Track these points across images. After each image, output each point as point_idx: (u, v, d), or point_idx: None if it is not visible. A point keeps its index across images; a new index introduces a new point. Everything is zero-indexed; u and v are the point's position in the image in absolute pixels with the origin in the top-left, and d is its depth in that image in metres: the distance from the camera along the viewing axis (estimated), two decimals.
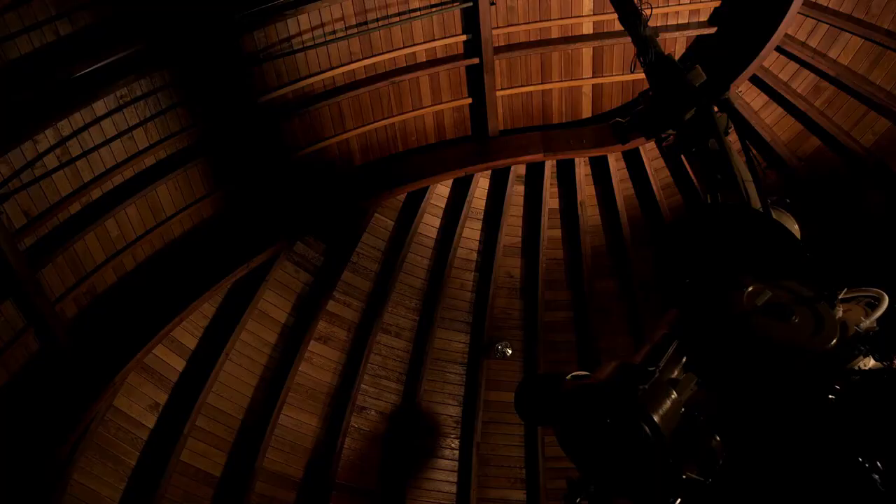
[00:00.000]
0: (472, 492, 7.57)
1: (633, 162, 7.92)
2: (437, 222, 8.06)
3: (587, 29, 7.24)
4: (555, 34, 7.25)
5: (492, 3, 6.79)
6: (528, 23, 7.10)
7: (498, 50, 7.19)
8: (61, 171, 5.66)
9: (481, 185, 8.09)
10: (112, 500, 6.28)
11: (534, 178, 8.05)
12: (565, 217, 8.14)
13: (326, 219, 7.43)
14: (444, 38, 7.03)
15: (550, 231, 8.11)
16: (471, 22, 6.96)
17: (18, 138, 5.29)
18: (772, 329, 1.81)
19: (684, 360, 1.86)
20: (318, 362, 7.53)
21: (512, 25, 7.10)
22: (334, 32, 6.57)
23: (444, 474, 7.73)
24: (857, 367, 1.89)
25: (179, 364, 6.80)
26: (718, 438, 1.65)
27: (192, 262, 6.75)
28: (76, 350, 6.10)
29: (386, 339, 7.81)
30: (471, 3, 6.78)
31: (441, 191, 8.02)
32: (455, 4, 6.80)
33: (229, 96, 6.48)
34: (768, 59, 7.05)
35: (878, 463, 1.50)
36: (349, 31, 6.63)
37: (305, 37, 6.51)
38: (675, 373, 1.81)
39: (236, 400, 7.10)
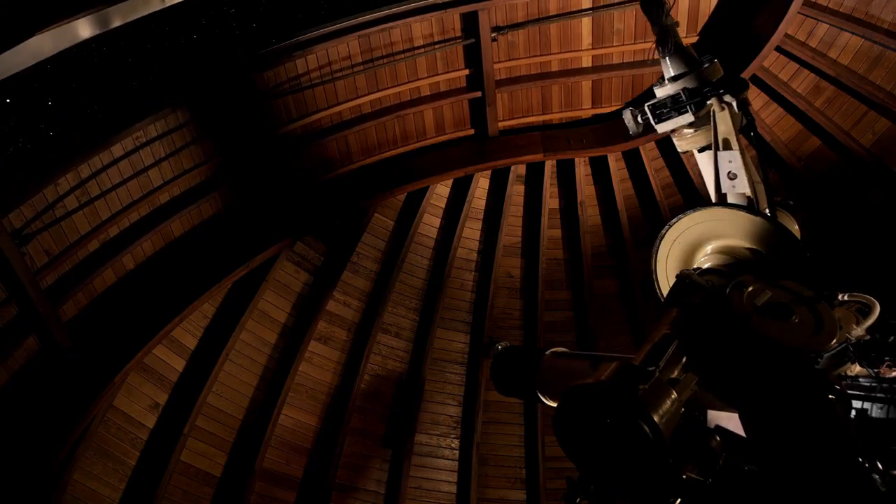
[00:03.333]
0: (472, 492, 7.57)
1: (633, 162, 7.92)
2: (437, 222, 8.06)
3: (586, 62, 7.45)
4: (555, 67, 7.48)
5: (494, 40, 7.01)
6: (529, 57, 7.33)
7: (500, 83, 7.41)
8: (80, 212, 5.88)
9: (481, 185, 8.09)
10: (112, 500, 6.28)
11: (534, 178, 8.05)
12: (565, 217, 8.15)
13: (326, 219, 7.43)
14: (448, 72, 7.30)
15: (550, 231, 8.11)
16: (473, 57, 7.21)
17: (41, 183, 5.51)
18: (772, 329, 1.81)
19: (684, 360, 1.86)
20: (318, 362, 7.53)
21: (513, 59, 7.32)
22: (341, 70, 6.83)
23: (444, 474, 7.73)
24: (843, 374, 1.89)
25: (179, 364, 6.80)
26: (718, 438, 1.65)
27: (192, 261, 6.75)
28: (76, 350, 6.10)
29: (386, 339, 7.82)
30: (473, 40, 7.01)
31: (441, 191, 8.02)
32: (458, 41, 7.05)
33: (240, 134, 6.74)
34: (768, 59, 7.05)
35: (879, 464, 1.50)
36: (355, 69, 6.89)
37: (313, 75, 6.77)
38: (675, 373, 1.81)
39: (236, 400, 7.10)
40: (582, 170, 7.90)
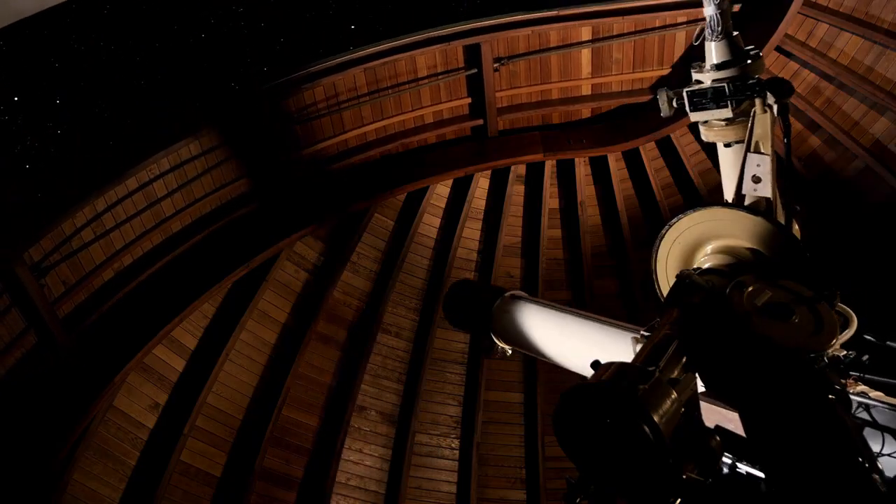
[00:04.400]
0: (472, 492, 7.58)
1: (633, 162, 7.92)
2: (437, 222, 8.06)
3: (586, 90, 7.67)
4: (555, 95, 7.68)
5: (496, 70, 7.21)
6: (530, 85, 7.53)
7: (501, 111, 7.57)
8: (96, 243, 6.09)
9: (481, 185, 8.09)
10: (112, 500, 6.27)
11: (534, 178, 8.05)
12: (565, 217, 8.15)
13: (326, 219, 7.44)
14: (451, 100, 7.53)
15: (550, 231, 8.11)
16: (475, 86, 7.41)
17: (58, 219, 5.74)
18: (772, 329, 1.81)
19: (684, 360, 1.87)
20: (318, 362, 7.53)
21: (514, 88, 7.51)
22: (348, 101, 7.04)
23: (444, 474, 7.73)
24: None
25: (179, 364, 6.80)
26: (718, 438, 1.65)
27: (192, 261, 6.75)
28: (76, 350, 6.11)
29: (386, 339, 7.81)
30: (475, 70, 7.23)
31: (441, 191, 8.02)
32: (461, 71, 7.27)
33: (249, 163, 6.94)
34: (768, 59, 7.05)
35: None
36: (361, 100, 7.09)
37: (320, 105, 6.96)
38: (675, 373, 1.81)
39: (236, 400, 7.10)
40: (582, 170, 7.90)
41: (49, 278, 5.83)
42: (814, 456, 1.55)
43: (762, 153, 2.53)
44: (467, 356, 7.98)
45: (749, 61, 2.70)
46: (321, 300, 7.47)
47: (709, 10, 2.71)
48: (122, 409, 6.41)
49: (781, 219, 2.47)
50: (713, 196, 7.68)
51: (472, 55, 7.17)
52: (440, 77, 7.23)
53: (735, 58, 2.71)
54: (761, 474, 1.80)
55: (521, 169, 8.03)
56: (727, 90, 2.61)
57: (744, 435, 1.74)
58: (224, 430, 6.99)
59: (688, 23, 7.21)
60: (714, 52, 2.75)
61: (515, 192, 8.08)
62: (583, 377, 2.54)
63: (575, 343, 2.82)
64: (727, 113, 2.66)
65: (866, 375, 1.99)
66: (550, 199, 8.05)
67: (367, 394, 7.66)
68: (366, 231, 7.73)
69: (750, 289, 1.95)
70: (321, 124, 7.07)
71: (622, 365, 1.72)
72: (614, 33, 7.26)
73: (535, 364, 7.86)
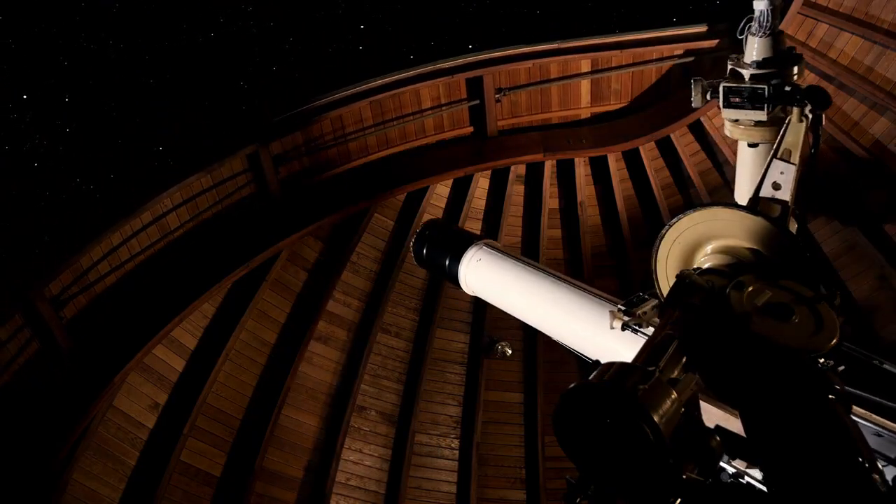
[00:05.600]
0: (472, 492, 7.57)
1: (633, 162, 7.92)
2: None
3: (585, 117, 7.91)
4: (555, 122, 7.92)
5: (497, 101, 7.45)
6: (531, 114, 7.78)
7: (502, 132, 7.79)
8: (112, 274, 6.38)
9: (481, 185, 8.09)
10: (112, 500, 6.28)
11: (534, 178, 8.05)
12: (565, 217, 8.15)
13: (326, 219, 7.44)
14: (453, 129, 7.77)
15: (550, 231, 8.11)
16: (478, 115, 7.68)
17: (76, 254, 6.03)
18: (772, 329, 1.81)
19: (684, 360, 1.86)
20: (318, 362, 7.53)
21: (515, 117, 7.79)
22: (354, 132, 7.28)
23: (444, 474, 7.73)
24: None
25: (179, 364, 6.80)
26: (718, 438, 1.65)
27: (192, 261, 6.76)
28: (76, 350, 6.11)
29: (386, 339, 7.81)
30: (478, 101, 7.49)
31: (441, 191, 8.02)
32: (463, 102, 7.53)
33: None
34: None
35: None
36: (367, 131, 7.34)
37: (327, 137, 7.26)
38: (675, 373, 1.81)
39: (236, 400, 7.10)
40: (582, 170, 7.90)
41: (67, 310, 6.09)
42: (814, 456, 1.55)
43: (788, 162, 2.44)
44: (467, 356, 7.98)
45: (796, 64, 2.60)
46: (321, 300, 7.46)
47: (761, 5, 2.63)
48: (122, 409, 6.41)
49: (792, 225, 2.44)
50: (713, 196, 7.68)
51: (475, 87, 7.43)
52: (443, 108, 7.55)
53: (777, 57, 2.61)
54: (760, 483, 1.81)
55: (520, 169, 8.03)
56: (767, 93, 2.51)
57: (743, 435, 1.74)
58: (224, 430, 6.99)
59: (684, 55, 7.45)
60: (757, 47, 2.65)
61: (515, 192, 8.08)
62: (554, 342, 2.52)
63: (547, 308, 2.74)
64: (761, 116, 2.56)
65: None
66: (550, 199, 8.05)
67: (367, 394, 7.66)
68: (366, 231, 7.73)
69: (750, 289, 1.95)
70: (327, 154, 7.30)
71: (622, 365, 1.72)
72: (613, 65, 7.55)
73: (535, 364, 7.86)
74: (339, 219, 7.54)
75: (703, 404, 1.89)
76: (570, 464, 1.64)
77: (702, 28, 7.28)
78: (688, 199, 7.88)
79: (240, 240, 6.96)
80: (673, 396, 1.61)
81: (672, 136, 7.68)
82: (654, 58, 7.50)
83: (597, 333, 2.46)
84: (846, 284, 6.83)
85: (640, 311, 2.28)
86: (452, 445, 7.81)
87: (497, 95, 7.43)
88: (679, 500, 1.53)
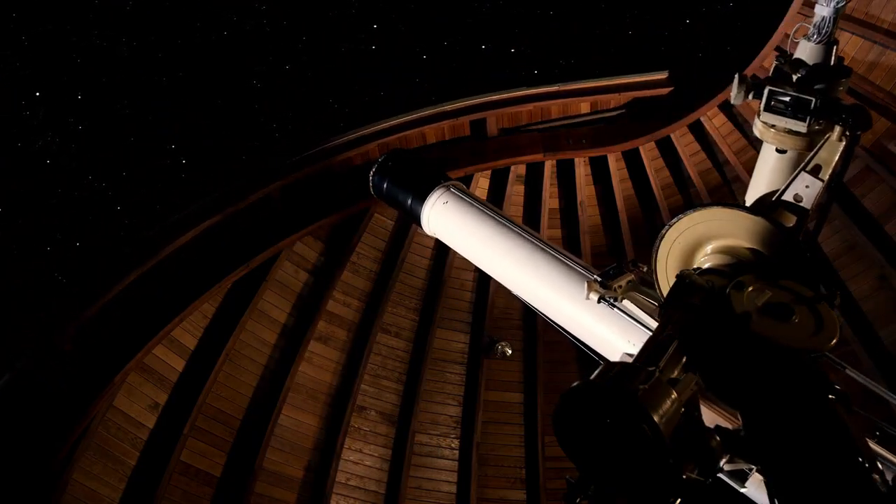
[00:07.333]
0: (472, 492, 7.57)
1: (633, 162, 7.92)
2: None
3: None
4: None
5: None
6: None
7: None
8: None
9: (481, 186, 8.09)
10: (112, 500, 6.27)
11: (534, 178, 8.05)
12: (565, 217, 8.15)
13: (327, 219, 7.44)
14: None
15: (550, 231, 8.11)
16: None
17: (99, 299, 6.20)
18: (772, 329, 1.81)
19: (684, 360, 1.86)
20: (318, 362, 7.52)
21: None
22: (361, 164, 7.42)
23: (444, 474, 7.73)
24: None
25: (179, 364, 6.80)
26: (718, 438, 1.65)
27: (192, 261, 6.75)
28: (76, 350, 6.11)
29: (386, 339, 7.81)
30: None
31: None
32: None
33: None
34: (768, 60, 7.05)
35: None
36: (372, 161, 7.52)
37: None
38: (675, 373, 1.81)
39: (236, 400, 7.10)
40: (582, 170, 7.90)
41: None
42: (814, 456, 1.55)
43: (817, 178, 2.38)
44: (467, 356, 7.98)
45: (844, 77, 2.54)
46: (321, 300, 7.46)
47: (823, 12, 2.54)
48: (122, 409, 6.41)
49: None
50: (713, 196, 7.68)
51: (478, 127, 7.64)
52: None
53: (827, 67, 2.55)
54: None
55: (520, 169, 8.03)
56: (813, 105, 2.41)
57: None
58: (224, 430, 6.99)
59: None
60: (808, 53, 2.59)
61: (515, 192, 8.07)
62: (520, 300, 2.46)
63: (520, 270, 2.69)
64: (801, 127, 2.47)
65: None
66: (550, 199, 8.05)
67: (367, 394, 7.66)
68: (366, 231, 7.73)
69: (750, 289, 1.95)
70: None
71: (623, 365, 1.72)
72: (612, 107, 7.75)
73: (535, 364, 7.86)
74: (338, 219, 7.54)
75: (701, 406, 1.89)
76: (570, 464, 1.63)
77: None
78: (688, 199, 7.88)
79: (240, 240, 6.96)
80: (673, 396, 1.61)
81: (672, 136, 7.68)
82: (650, 96, 7.69)
83: (569, 304, 2.43)
84: (846, 284, 6.83)
85: (615, 285, 2.26)
86: (452, 445, 7.81)
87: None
88: (679, 500, 1.53)
